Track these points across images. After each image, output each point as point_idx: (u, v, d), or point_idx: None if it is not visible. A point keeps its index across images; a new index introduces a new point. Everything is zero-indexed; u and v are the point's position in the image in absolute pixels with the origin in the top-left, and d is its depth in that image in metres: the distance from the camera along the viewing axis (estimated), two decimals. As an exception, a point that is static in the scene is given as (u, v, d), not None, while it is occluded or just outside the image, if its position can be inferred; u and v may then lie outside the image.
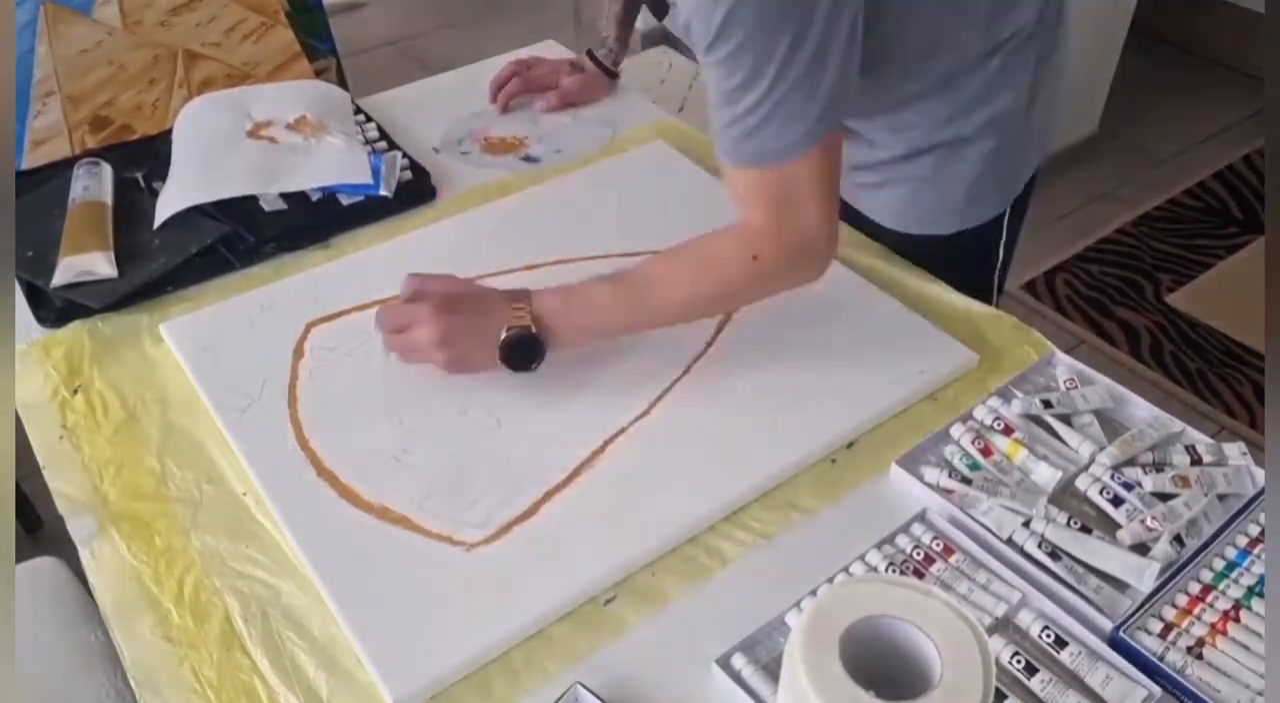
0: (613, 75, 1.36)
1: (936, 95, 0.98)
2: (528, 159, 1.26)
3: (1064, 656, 0.72)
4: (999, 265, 1.16)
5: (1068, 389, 0.92)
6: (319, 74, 1.54)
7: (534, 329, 0.86)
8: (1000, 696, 0.69)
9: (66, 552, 0.89)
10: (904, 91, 0.98)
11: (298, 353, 0.96)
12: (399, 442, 0.88)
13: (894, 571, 0.77)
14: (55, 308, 1.02)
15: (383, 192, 1.15)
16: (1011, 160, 1.06)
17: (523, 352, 0.87)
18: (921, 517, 0.82)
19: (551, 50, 1.43)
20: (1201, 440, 0.88)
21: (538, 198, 1.17)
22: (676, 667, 0.73)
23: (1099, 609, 0.74)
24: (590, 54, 1.34)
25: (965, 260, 1.11)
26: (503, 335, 0.86)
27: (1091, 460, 0.85)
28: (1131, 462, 0.85)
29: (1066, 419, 0.89)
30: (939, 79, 0.97)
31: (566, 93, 1.33)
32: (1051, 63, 1.02)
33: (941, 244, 1.08)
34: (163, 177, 1.16)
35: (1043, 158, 1.11)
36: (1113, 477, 0.83)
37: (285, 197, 1.14)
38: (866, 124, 1.04)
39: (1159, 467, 0.85)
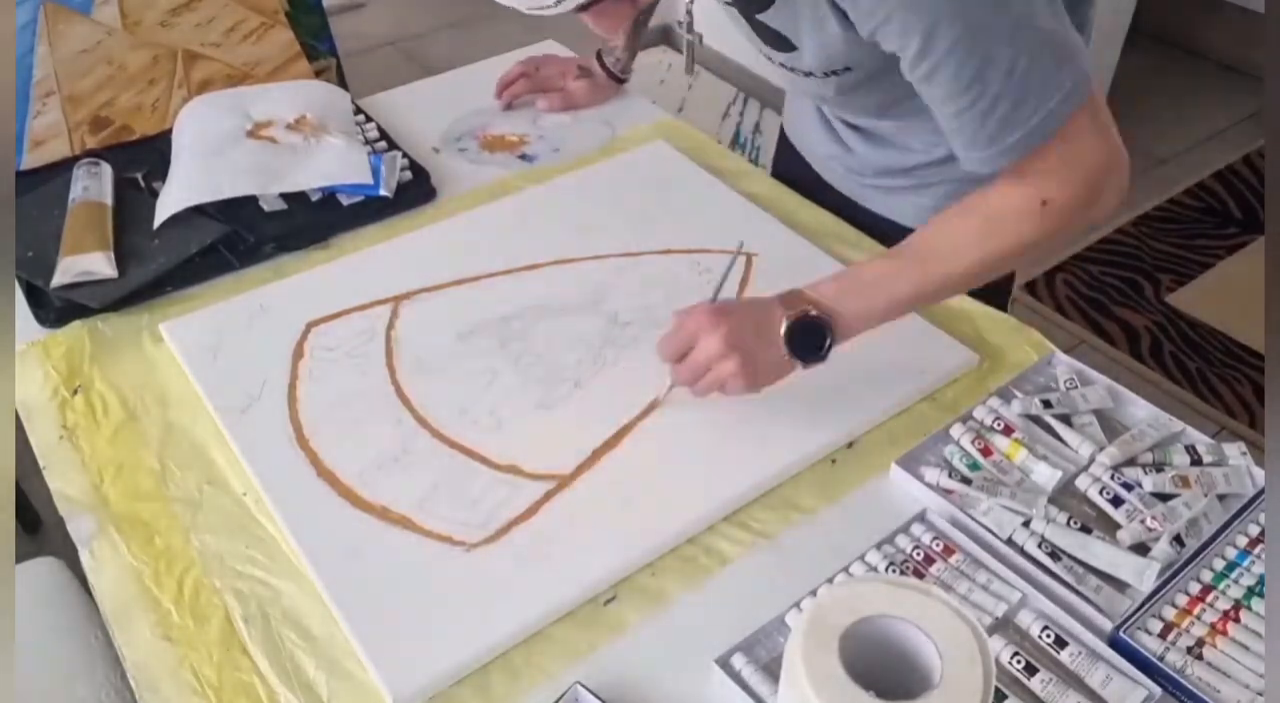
0: (620, 81, 1.35)
1: (920, 120, 0.94)
2: (524, 157, 1.26)
3: (1064, 656, 0.72)
4: (1013, 284, 1.14)
5: (1068, 389, 0.92)
6: (319, 74, 1.54)
7: (814, 312, 0.82)
8: (1000, 696, 0.69)
9: (66, 552, 0.89)
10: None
11: (298, 353, 0.96)
12: (399, 442, 0.88)
13: (894, 571, 0.77)
14: (55, 308, 1.02)
15: (383, 192, 1.15)
16: None
17: (808, 337, 0.82)
18: (921, 517, 0.82)
19: (552, 51, 1.42)
20: (1201, 440, 0.88)
21: (538, 198, 1.17)
22: (676, 667, 0.73)
23: (1099, 609, 0.74)
24: (599, 57, 1.34)
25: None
26: (784, 326, 0.82)
27: (1091, 460, 0.85)
28: (1131, 462, 0.85)
29: (1066, 419, 0.89)
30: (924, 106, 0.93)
31: (571, 97, 1.32)
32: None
33: None
34: (163, 176, 1.16)
35: None
36: (1113, 477, 0.83)
37: (285, 197, 1.14)
38: (903, 130, 1.01)
39: (1159, 467, 0.85)
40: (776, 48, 0.90)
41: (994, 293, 1.06)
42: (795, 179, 1.20)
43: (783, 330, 0.82)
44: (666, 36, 3.15)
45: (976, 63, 0.74)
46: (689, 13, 0.98)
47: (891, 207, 1.09)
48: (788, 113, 1.24)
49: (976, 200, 0.84)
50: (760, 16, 0.87)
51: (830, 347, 0.83)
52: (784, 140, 1.25)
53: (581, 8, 0.79)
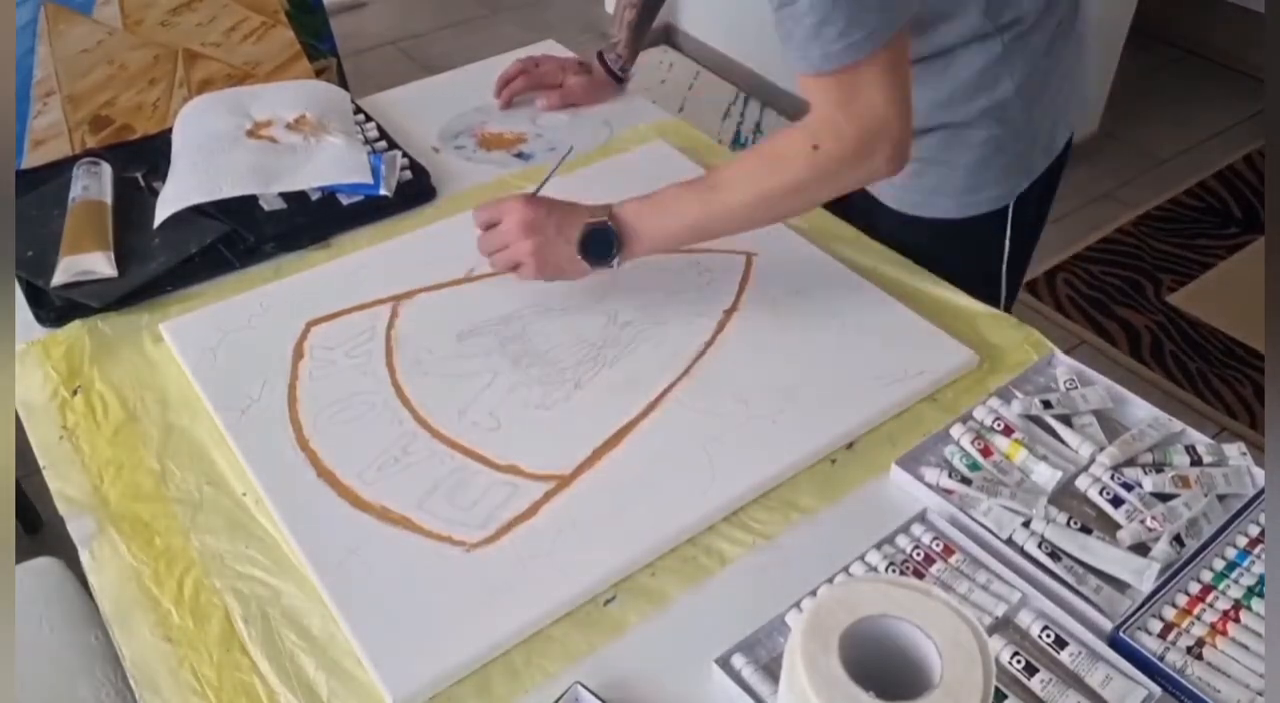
0: (620, 80, 1.35)
1: (934, 71, 0.99)
2: (520, 156, 1.26)
3: (1064, 656, 0.72)
4: (1006, 259, 1.16)
5: (1068, 389, 0.92)
6: (319, 74, 1.54)
7: (610, 224, 0.93)
8: (1000, 696, 0.69)
9: (66, 552, 0.89)
10: (919, 53, 0.98)
11: (298, 353, 0.96)
12: (399, 442, 0.88)
13: (894, 571, 0.77)
14: (55, 308, 1.02)
15: (382, 191, 1.15)
16: (1012, 154, 1.06)
17: (600, 245, 0.93)
18: (921, 517, 0.82)
19: (552, 50, 1.42)
20: (1201, 440, 0.88)
21: (538, 198, 1.17)
22: (676, 667, 0.73)
23: (1099, 609, 0.74)
24: (600, 56, 1.34)
25: (966, 249, 1.12)
26: (581, 230, 0.93)
27: (1091, 460, 0.85)
28: (1131, 462, 0.85)
29: (1066, 419, 0.89)
30: (937, 50, 0.98)
31: (569, 93, 1.33)
32: (1057, 64, 1.03)
33: (943, 230, 1.09)
34: (163, 176, 1.16)
35: (1049, 160, 1.10)
36: (1113, 477, 0.83)
37: (285, 196, 1.14)
38: None
39: (1159, 467, 0.85)
40: None
41: (984, 280, 1.11)
42: None
43: (578, 234, 0.93)
44: (667, 36, 3.15)
45: None
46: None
47: (873, 185, 1.11)
48: None
49: (765, 141, 0.93)
50: None
51: (616, 257, 0.94)
52: None
53: None
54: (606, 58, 1.33)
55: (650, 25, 1.34)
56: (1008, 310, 1.16)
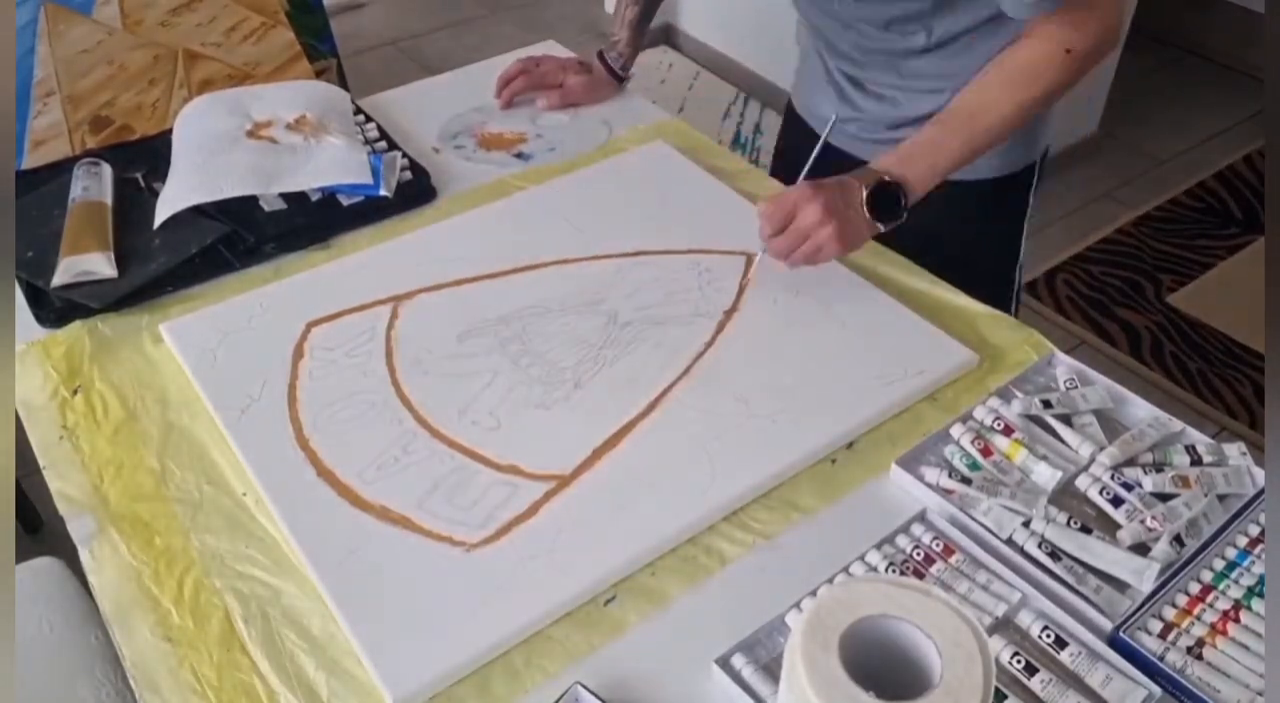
0: (620, 79, 1.35)
1: (986, 35, 1.03)
2: (520, 156, 1.26)
3: (1064, 656, 0.72)
4: (1028, 216, 1.20)
5: (1068, 389, 0.92)
6: (319, 74, 1.54)
7: (887, 178, 0.96)
8: (1000, 696, 0.69)
9: (66, 552, 0.89)
10: (956, 27, 1.03)
11: (298, 353, 0.96)
12: (399, 442, 0.88)
13: (894, 571, 0.77)
14: (55, 308, 1.02)
15: (383, 192, 1.15)
16: (1044, 114, 1.10)
17: (886, 200, 0.96)
18: (921, 517, 0.82)
19: (552, 50, 1.42)
20: (1201, 440, 0.88)
21: (538, 198, 1.17)
22: (676, 667, 0.73)
23: (1099, 609, 0.74)
24: (600, 56, 1.34)
25: (998, 210, 1.17)
26: (864, 193, 0.95)
27: (1091, 461, 0.85)
28: (1131, 462, 0.85)
29: (1066, 419, 0.89)
30: (965, 29, 1.02)
31: (569, 92, 1.32)
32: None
33: (974, 191, 1.12)
34: (163, 176, 1.16)
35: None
36: (1113, 477, 0.83)
37: (285, 197, 1.14)
38: (906, 88, 1.09)
39: (1159, 467, 0.85)
40: None
41: (1008, 240, 1.14)
42: (801, 152, 1.20)
43: (864, 197, 0.95)
44: (667, 36, 3.15)
45: None
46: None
47: None
48: (796, 83, 1.28)
49: (1008, 58, 0.96)
50: None
51: (906, 206, 0.96)
52: (790, 114, 1.26)
53: None
54: (607, 56, 1.33)
55: (650, 23, 1.34)
56: (1022, 272, 1.21)
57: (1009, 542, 0.79)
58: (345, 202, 1.15)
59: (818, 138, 1.19)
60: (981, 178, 1.12)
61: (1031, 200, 1.18)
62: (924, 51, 1.05)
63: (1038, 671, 0.70)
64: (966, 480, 0.83)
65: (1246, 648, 0.72)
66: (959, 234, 1.09)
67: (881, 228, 0.97)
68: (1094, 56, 0.96)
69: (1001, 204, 1.17)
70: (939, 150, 0.97)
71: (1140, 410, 0.91)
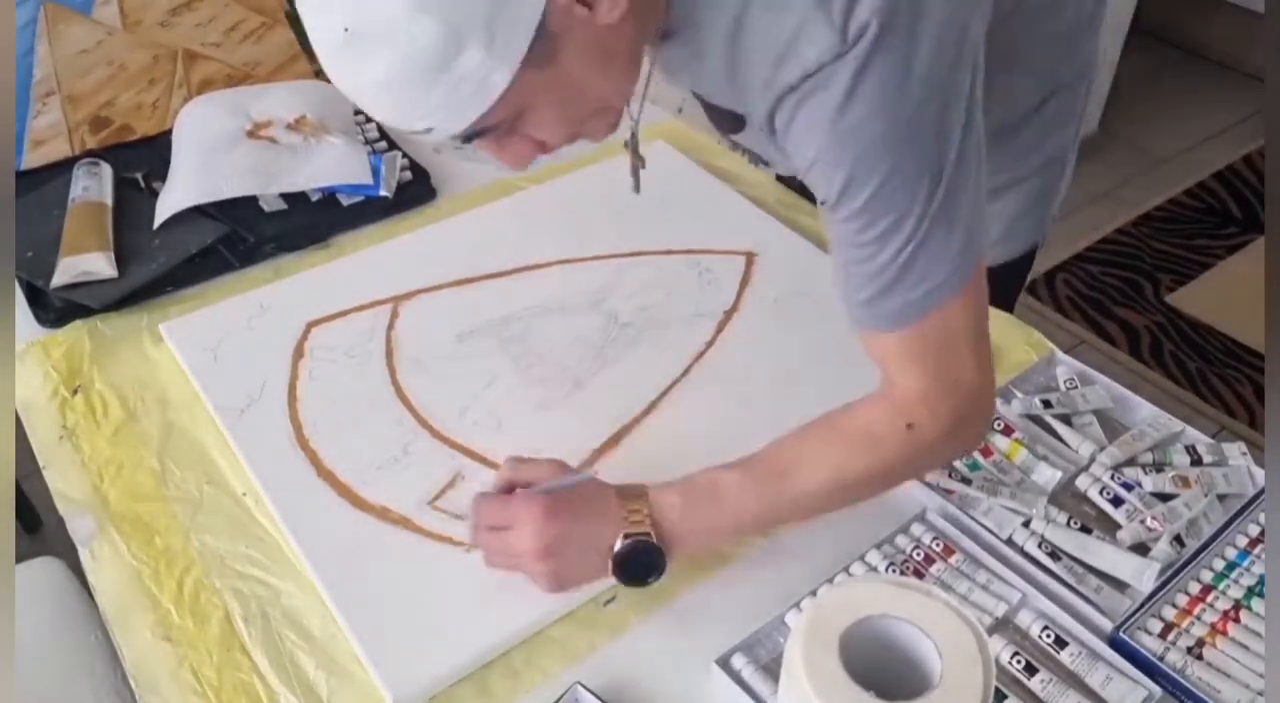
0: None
1: (993, 146, 0.80)
2: None
3: (1064, 656, 0.72)
4: (1022, 292, 1.14)
5: (1068, 389, 0.92)
6: (319, 74, 1.54)
7: (653, 537, 0.72)
8: (1000, 696, 0.69)
9: (66, 552, 0.89)
10: None
11: (298, 353, 0.96)
12: (399, 442, 0.88)
13: (894, 571, 0.77)
14: (55, 308, 1.02)
15: (382, 192, 1.15)
16: (1055, 195, 1.04)
17: (639, 565, 0.73)
18: (921, 517, 0.82)
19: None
20: (1201, 440, 0.87)
21: (538, 198, 1.17)
22: (676, 667, 0.73)
23: (1099, 609, 0.74)
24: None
25: (994, 290, 1.07)
26: (617, 546, 0.72)
27: (1091, 460, 0.85)
28: (1131, 462, 0.85)
29: (1066, 419, 0.89)
30: (994, 130, 0.85)
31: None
32: (1093, 92, 1.01)
33: None
34: (163, 177, 1.16)
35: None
36: (1113, 477, 0.83)
37: (285, 197, 1.14)
38: None
39: (1159, 467, 0.85)
40: (726, 129, 0.86)
41: (1001, 292, 1.07)
42: None
43: (613, 553, 0.72)
44: (666, 36, 3.14)
45: (883, 226, 0.66)
46: (634, 135, 0.91)
47: None
48: None
49: (840, 417, 0.76)
50: (735, 137, 0.84)
51: (662, 573, 0.74)
52: None
53: (465, 139, 0.74)
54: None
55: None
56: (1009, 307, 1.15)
57: (1009, 542, 0.79)
58: (345, 202, 1.15)
59: None
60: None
61: (1020, 295, 1.12)
62: None
63: (1038, 671, 0.70)
64: (966, 480, 0.83)
65: (1246, 648, 0.72)
66: None
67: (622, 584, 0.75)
68: (947, 445, 0.74)
69: (998, 288, 1.05)
70: (728, 508, 0.74)
71: (1140, 410, 0.91)
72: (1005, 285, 1.10)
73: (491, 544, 0.75)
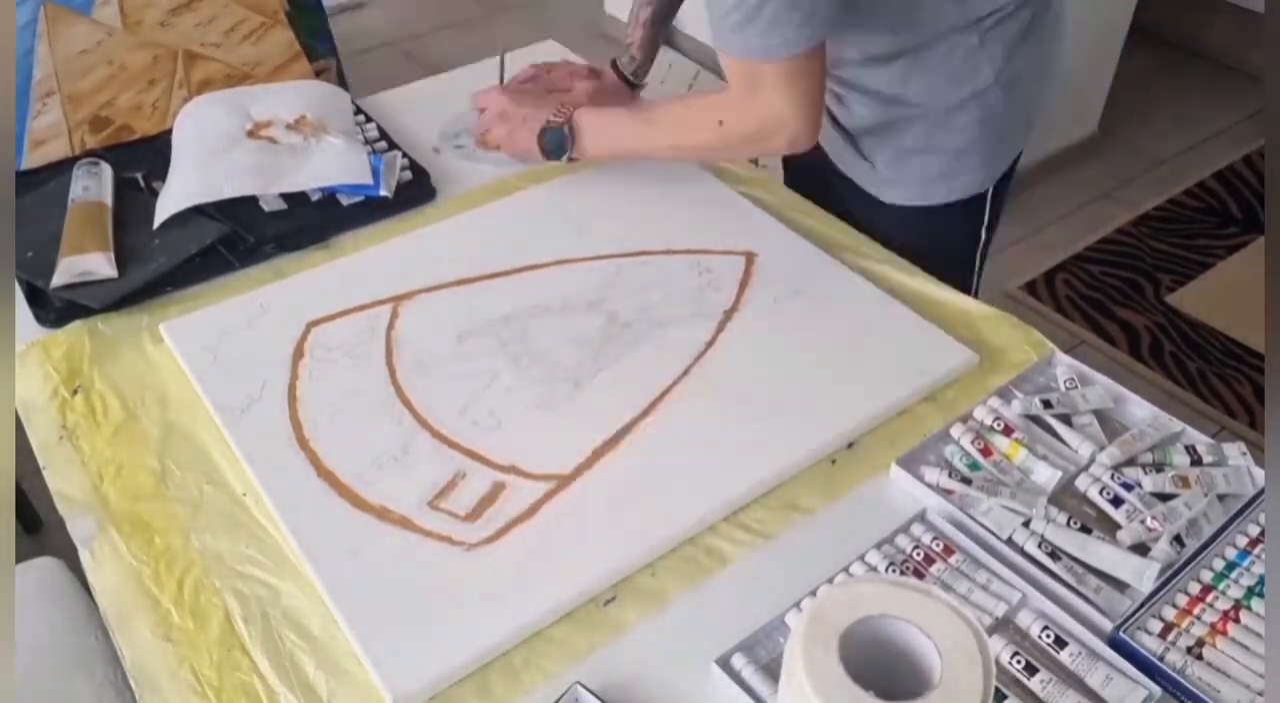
0: (634, 87, 1.34)
1: (914, 64, 1.04)
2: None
3: (1064, 656, 0.72)
4: (981, 243, 1.20)
5: (1068, 389, 0.92)
6: (319, 74, 1.54)
7: (567, 129, 1.10)
8: (1000, 696, 0.69)
9: (66, 552, 0.89)
10: (882, 49, 1.03)
11: (298, 353, 0.96)
12: (399, 442, 0.88)
13: (894, 571, 0.77)
14: (55, 308, 1.02)
15: (382, 192, 1.15)
16: (994, 138, 1.10)
17: (554, 142, 1.12)
18: (921, 517, 0.82)
19: (551, 51, 1.42)
20: (1201, 440, 0.88)
21: (537, 198, 1.17)
22: (676, 667, 0.73)
23: (1099, 609, 0.74)
24: (614, 64, 1.32)
25: (949, 235, 1.18)
26: (541, 125, 1.11)
27: (1091, 460, 0.85)
28: (1131, 462, 0.85)
29: (1066, 419, 0.89)
30: (914, 45, 1.02)
31: (574, 99, 1.31)
32: (1036, 48, 1.06)
33: (926, 216, 1.13)
34: (163, 177, 1.16)
35: (1026, 142, 1.15)
36: (1113, 477, 0.83)
37: (285, 197, 1.14)
38: (846, 88, 1.10)
39: (1159, 467, 0.85)
40: None
41: (961, 266, 1.17)
42: (798, 164, 1.21)
43: (539, 128, 1.12)
44: (667, 36, 3.15)
45: None
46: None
47: (858, 174, 1.16)
48: None
49: (695, 98, 1.06)
50: None
51: (566, 155, 1.12)
52: None
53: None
54: (620, 62, 1.32)
55: (668, 25, 1.31)
56: (975, 296, 1.19)
57: (1009, 542, 0.79)
58: (345, 202, 1.15)
59: (819, 149, 1.20)
60: (927, 204, 1.13)
61: (984, 231, 1.19)
62: (862, 63, 1.07)
63: (1038, 671, 0.70)
64: (966, 480, 0.83)
65: (1246, 648, 0.72)
66: (916, 256, 1.09)
67: (544, 160, 1.14)
68: (748, 142, 1.03)
69: (955, 230, 1.18)
70: (617, 133, 1.11)
71: (1140, 410, 0.91)
72: (965, 226, 1.18)
73: (479, 121, 1.21)
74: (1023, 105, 1.10)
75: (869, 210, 1.16)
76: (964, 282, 1.16)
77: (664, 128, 1.08)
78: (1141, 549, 0.79)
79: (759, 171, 1.24)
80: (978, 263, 1.22)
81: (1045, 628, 0.73)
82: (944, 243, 1.15)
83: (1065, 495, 0.84)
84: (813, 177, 1.21)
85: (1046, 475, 0.83)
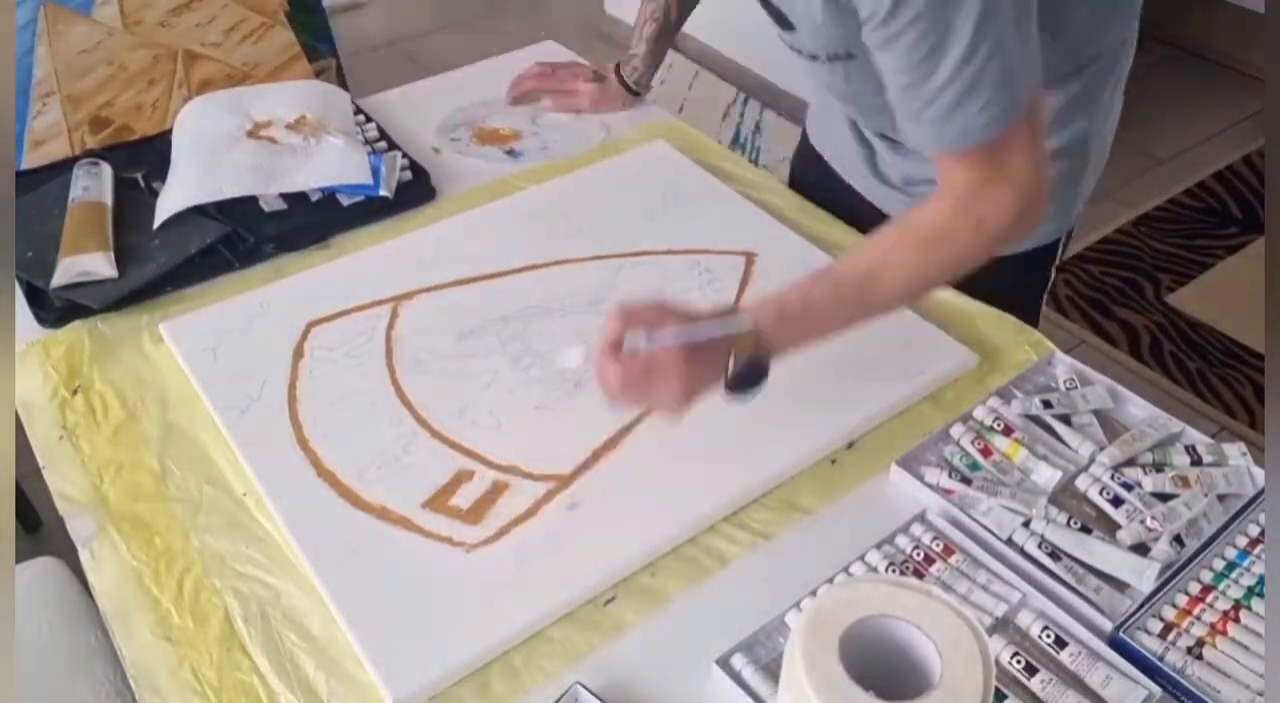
0: (635, 93, 1.33)
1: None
2: (511, 153, 1.26)
3: (1064, 656, 0.72)
4: (1049, 288, 1.15)
5: (1068, 389, 0.92)
6: (319, 74, 1.54)
7: (761, 355, 0.79)
8: (1000, 696, 0.69)
9: (66, 552, 0.89)
10: None
11: (298, 353, 0.96)
12: (399, 442, 0.88)
13: (894, 571, 0.77)
14: (55, 308, 1.02)
15: (382, 192, 1.15)
16: (1077, 187, 1.05)
17: (750, 379, 0.80)
18: (921, 517, 0.82)
19: (551, 51, 1.42)
20: (1201, 440, 0.88)
21: (538, 198, 1.17)
22: (676, 667, 0.73)
23: (1099, 609, 0.74)
24: (617, 70, 1.32)
25: (1019, 283, 1.08)
26: (731, 366, 0.79)
27: (1091, 460, 0.85)
28: (1131, 462, 0.85)
29: (1066, 419, 0.89)
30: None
31: (575, 98, 1.31)
32: (1123, 86, 1.03)
33: (997, 264, 0.99)
34: (163, 177, 1.16)
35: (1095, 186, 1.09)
36: (1113, 477, 0.83)
37: (285, 197, 1.14)
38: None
39: (1159, 467, 0.85)
40: (780, 26, 0.91)
41: (1026, 311, 1.05)
42: (814, 182, 1.20)
43: (729, 369, 0.79)
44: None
45: (934, 39, 0.73)
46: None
47: None
48: (812, 114, 1.24)
49: (912, 221, 0.83)
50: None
51: (762, 385, 0.80)
52: (804, 143, 1.24)
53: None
54: (623, 70, 1.32)
55: (670, 42, 1.30)
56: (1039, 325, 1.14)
57: (1009, 542, 0.79)
58: (345, 202, 1.15)
59: (830, 171, 1.16)
60: (1007, 253, 1.01)
61: (1053, 275, 1.13)
62: None
63: (1038, 671, 0.70)
64: (966, 481, 0.83)
65: (1246, 648, 0.72)
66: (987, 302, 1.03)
67: (729, 401, 0.81)
68: (1013, 232, 0.83)
69: (1025, 277, 1.11)
70: (818, 316, 0.83)
71: (1140, 410, 0.91)
72: (1034, 273, 1.12)
73: (633, 397, 0.80)
74: (1103, 152, 1.05)
75: None
76: (1031, 321, 1.07)
77: (894, 270, 0.83)
78: (1141, 549, 0.79)
79: (760, 172, 1.24)
80: (1041, 308, 1.16)
81: (1045, 628, 0.73)
82: (1009, 289, 1.04)
83: (1065, 496, 0.84)
84: (826, 168, 1.18)
85: (1046, 476, 0.83)
